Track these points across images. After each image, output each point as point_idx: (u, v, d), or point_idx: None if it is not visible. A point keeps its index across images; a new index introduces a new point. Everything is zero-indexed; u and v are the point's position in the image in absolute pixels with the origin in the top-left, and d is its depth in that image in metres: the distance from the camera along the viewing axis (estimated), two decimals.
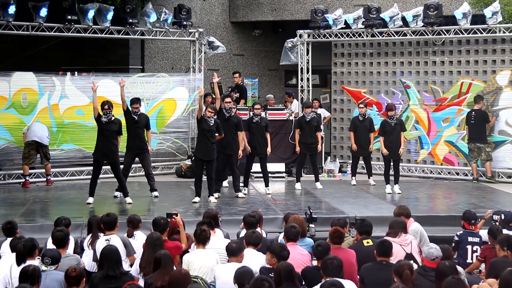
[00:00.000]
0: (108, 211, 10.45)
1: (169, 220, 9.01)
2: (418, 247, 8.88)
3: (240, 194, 14.21)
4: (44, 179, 15.98)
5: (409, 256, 8.52)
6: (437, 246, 7.58)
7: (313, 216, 9.90)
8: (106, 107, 13.31)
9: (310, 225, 9.75)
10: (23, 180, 15.65)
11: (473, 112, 16.30)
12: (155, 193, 14.07)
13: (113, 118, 13.32)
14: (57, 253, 7.47)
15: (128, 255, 8.71)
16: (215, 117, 13.57)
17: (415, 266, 7.67)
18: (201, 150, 13.62)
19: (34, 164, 15.86)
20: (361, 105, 16.30)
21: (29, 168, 15.72)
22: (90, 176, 16.47)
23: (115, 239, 8.65)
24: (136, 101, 13.92)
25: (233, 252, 7.68)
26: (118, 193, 14.00)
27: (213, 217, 9.42)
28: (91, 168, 16.56)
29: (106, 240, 8.61)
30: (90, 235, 9.22)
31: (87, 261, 8.79)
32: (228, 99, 14.50)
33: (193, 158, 13.81)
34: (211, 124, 13.47)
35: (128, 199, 13.60)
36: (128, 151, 13.96)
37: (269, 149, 14.64)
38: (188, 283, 6.63)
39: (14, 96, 16.07)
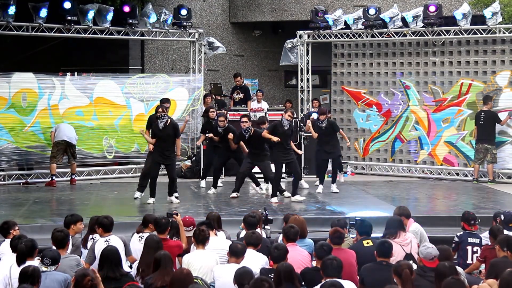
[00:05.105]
0: (108, 211, 10.45)
1: (170, 220, 9.00)
2: (418, 247, 8.87)
3: (298, 197, 13.78)
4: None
5: (409, 256, 8.51)
6: (432, 245, 7.57)
7: (268, 218, 9.87)
8: (160, 110, 13.07)
9: (266, 227, 9.69)
10: (50, 179, 15.74)
11: (482, 113, 16.24)
12: (152, 199, 13.93)
13: (168, 121, 12.99)
14: (57, 253, 7.44)
15: (127, 254, 8.71)
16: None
17: (414, 266, 7.65)
18: (279, 154, 13.53)
19: (61, 163, 15.91)
20: (321, 113, 15.21)
21: (32, 168, 15.72)
22: (90, 177, 16.70)
23: (114, 240, 8.64)
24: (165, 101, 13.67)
25: (237, 253, 7.66)
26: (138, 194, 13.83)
27: (216, 219, 9.44)
28: (91, 168, 16.79)
29: (105, 241, 8.58)
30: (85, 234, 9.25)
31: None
32: (212, 110, 14.60)
33: (273, 163, 13.72)
34: (286, 128, 13.45)
35: (174, 199, 13.43)
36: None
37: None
38: (190, 283, 6.61)
39: (14, 97, 16.06)
